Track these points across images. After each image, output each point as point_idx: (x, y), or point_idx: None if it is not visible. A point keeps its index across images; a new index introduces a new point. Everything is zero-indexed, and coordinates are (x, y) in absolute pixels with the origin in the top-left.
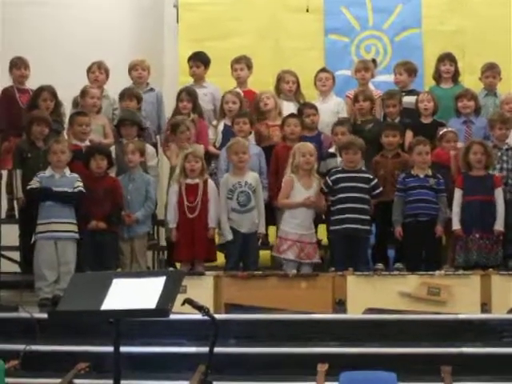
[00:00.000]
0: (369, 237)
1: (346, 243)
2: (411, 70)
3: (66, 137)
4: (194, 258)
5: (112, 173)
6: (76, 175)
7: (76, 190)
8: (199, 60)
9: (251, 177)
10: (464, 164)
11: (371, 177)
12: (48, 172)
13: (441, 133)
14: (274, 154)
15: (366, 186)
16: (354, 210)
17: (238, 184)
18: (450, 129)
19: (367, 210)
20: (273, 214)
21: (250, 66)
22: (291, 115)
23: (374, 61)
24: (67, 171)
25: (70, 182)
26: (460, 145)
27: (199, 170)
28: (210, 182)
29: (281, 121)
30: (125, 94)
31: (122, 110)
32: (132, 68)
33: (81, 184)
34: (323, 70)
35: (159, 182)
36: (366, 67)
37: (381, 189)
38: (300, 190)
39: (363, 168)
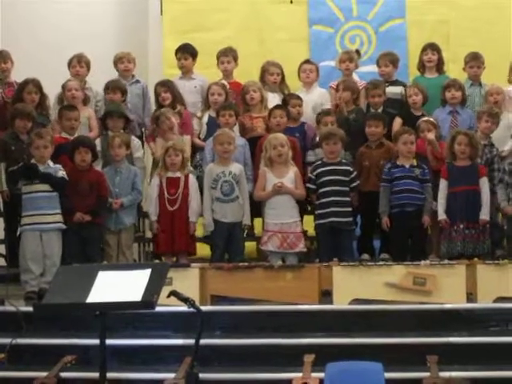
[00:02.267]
0: (353, 228)
1: (330, 236)
2: (395, 61)
3: (51, 130)
4: (173, 250)
5: (98, 165)
6: (59, 165)
7: (59, 175)
8: (187, 52)
9: (235, 167)
10: (449, 154)
11: (351, 169)
12: None
13: (417, 124)
14: (259, 146)
15: (347, 179)
16: (336, 203)
17: (222, 174)
18: (424, 118)
19: (349, 202)
20: (259, 206)
21: (235, 58)
22: (277, 106)
23: (357, 51)
24: (50, 162)
25: (54, 172)
26: (431, 135)
27: (180, 163)
28: (191, 176)
29: (266, 112)
30: (109, 87)
31: (107, 102)
32: (118, 60)
33: (64, 172)
34: (307, 61)
35: (145, 173)
36: (350, 58)
37: (358, 182)
38: (272, 180)
39: (345, 160)
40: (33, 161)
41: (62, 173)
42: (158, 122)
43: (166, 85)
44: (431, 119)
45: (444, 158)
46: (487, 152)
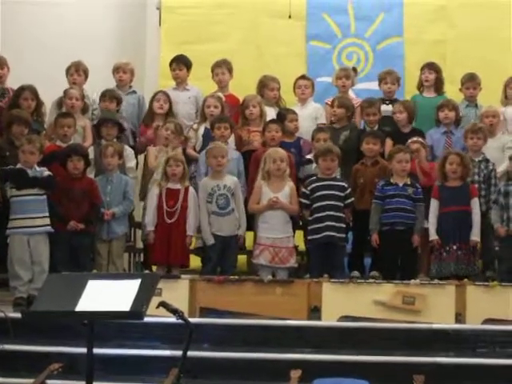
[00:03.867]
0: (345, 245)
1: (322, 251)
2: (399, 79)
3: (43, 137)
4: (168, 263)
5: (91, 174)
6: (45, 168)
7: (45, 175)
8: (182, 62)
9: (230, 180)
10: (440, 174)
11: (346, 185)
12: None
13: (406, 144)
14: (254, 160)
15: (342, 194)
16: (331, 217)
17: (217, 187)
18: (413, 139)
19: (343, 218)
20: (250, 220)
21: (230, 70)
22: (272, 121)
23: (354, 69)
24: (36, 167)
25: (40, 174)
26: (416, 145)
27: (180, 174)
28: (191, 189)
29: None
30: (106, 95)
31: (102, 110)
32: (115, 70)
33: (49, 173)
34: (303, 77)
35: (138, 183)
36: (347, 75)
37: (352, 199)
38: (268, 194)
39: (338, 176)
40: (19, 165)
41: (47, 172)
42: (158, 129)
43: (166, 95)
44: (420, 139)
45: (431, 173)
46: (483, 168)
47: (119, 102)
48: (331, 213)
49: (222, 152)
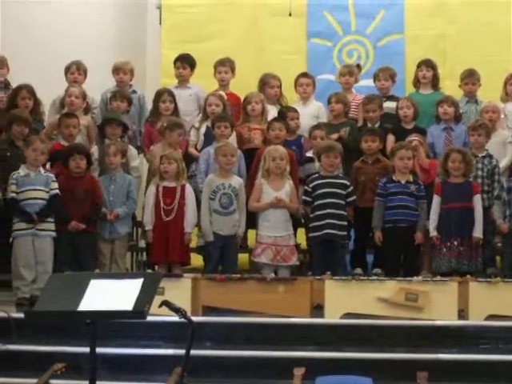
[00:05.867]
0: (347, 242)
1: (324, 249)
2: (394, 76)
3: (43, 135)
4: (167, 260)
5: (95, 173)
6: (51, 175)
7: (53, 193)
8: (186, 62)
9: (236, 180)
10: (442, 171)
11: (348, 183)
12: (22, 171)
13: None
14: (257, 158)
15: (343, 192)
16: (333, 215)
17: (222, 185)
18: (412, 137)
19: (345, 215)
20: (253, 218)
21: (233, 69)
22: (276, 119)
23: (358, 66)
24: (41, 169)
25: (45, 180)
26: (416, 142)
27: (174, 172)
28: (188, 187)
29: (265, 125)
30: (116, 95)
31: (102, 109)
32: (114, 71)
33: (56, 185)
34: (304, 75)
35: (141, 182)
36: (351, 72)
37: (354, 197)
38: (269, 192)
39: (340, 174)
40: (23, 167)
41: (54, 186)
42: (167, 130)
43: (172, 95)
44: (418, 136)
45: (430, 170)
46: (487, 163)
47: (130, 102)
48: (332, 211)
49: (232, 151)
